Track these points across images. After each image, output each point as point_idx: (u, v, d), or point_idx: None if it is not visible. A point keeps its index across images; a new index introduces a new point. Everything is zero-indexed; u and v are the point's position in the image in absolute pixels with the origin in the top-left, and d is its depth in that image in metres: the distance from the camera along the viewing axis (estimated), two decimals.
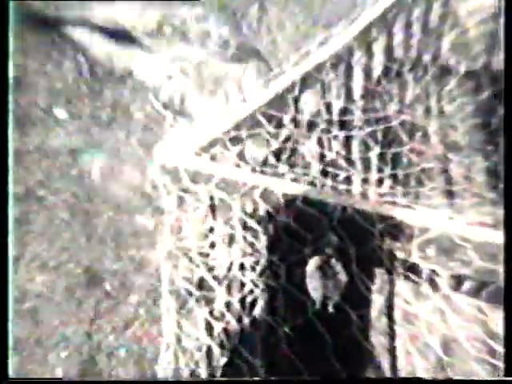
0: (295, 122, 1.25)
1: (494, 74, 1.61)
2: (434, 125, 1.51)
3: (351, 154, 1.33)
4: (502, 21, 1.36)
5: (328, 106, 1.28)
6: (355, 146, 1.35)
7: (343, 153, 1.27)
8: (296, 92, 1.23)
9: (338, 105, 1.29)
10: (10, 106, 1.46)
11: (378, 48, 1.34)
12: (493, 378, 1.19)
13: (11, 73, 1.46)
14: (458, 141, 1.57)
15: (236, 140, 1.19)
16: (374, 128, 1.29)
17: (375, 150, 1.30)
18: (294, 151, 1.33)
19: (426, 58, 1.46)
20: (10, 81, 1.46)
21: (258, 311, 1.15)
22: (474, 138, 1.58)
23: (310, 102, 1.25)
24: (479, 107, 1.63)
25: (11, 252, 1.84)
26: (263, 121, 1.20)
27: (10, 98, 1.47)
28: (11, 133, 1.96)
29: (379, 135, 1.34)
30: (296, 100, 1.21)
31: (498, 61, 1.65)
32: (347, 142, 1.34)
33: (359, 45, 1.27)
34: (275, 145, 1.29)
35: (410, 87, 1.43)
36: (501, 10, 1.46)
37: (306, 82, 1.23)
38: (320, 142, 1.23)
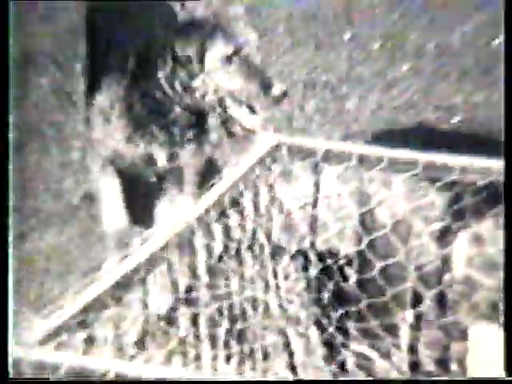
0: (144, 304, 1.28)
1: (320, 253, 1.75)
2: (274, 299, 1.60)
3: (199, 330, 1.37)
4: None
5: (175, 284, 1.33)
6: (203, 322, 1.39)
7: (192, 329, 1.31)
8: (142, 273, 1.27)
9: (183, 282, 1.34)
10: (10, 107, 1.43)
11: (218, 228, 1.44)
12: (493, 378, 1.18)
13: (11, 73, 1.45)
14: (296, 314, 1.66)
15: (83, 324, 1.18)
16: (220, 304, 1.35)
17: (223, 326, 1.34)
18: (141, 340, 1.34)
19: (261, 237, 1.58)
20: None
21: None
22: (310, 311, 1.68)
23: (156, 282, 1.29)
24: (309, 283, 1.75)
25: None
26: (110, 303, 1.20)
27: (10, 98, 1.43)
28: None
29: (225, 311, 1.39)
30: (143, 280, 1.24)
31: (322, 241, 1.79)
32: (195, 318, 1.38)
33: (200, 225, 1.36)
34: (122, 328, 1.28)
35: (248, 264, 1.53)
36: None
37: (152, 262, 1.28)
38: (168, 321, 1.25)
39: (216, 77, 1.97)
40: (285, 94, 1.97)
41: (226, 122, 2.08)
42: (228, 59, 1.95)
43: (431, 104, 3.24)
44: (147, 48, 2.09)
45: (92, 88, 2.24)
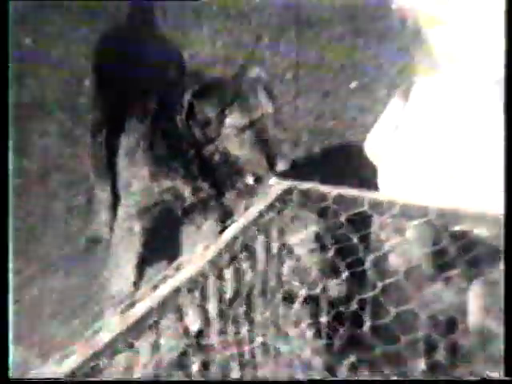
0: (155, 348, 1.26)
1: (332, 298, 1.74)
2: (285, 345, 1.58)
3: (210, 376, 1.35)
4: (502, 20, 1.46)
5: (185, 330, 1.31)
6: (213, 368, 1.37)
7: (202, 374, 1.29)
8: (154, 317, 1.25)
9: (195, 327, 1.33)
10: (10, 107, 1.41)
11: (229, 272, 1.43)
12: (493, 378, 1.14)
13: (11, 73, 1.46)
14: (308, 361, 1.64)
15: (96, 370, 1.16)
16: (232, 352, 1.34)
17: (234, 372, 1.33)
18: None
19: (272, 282, 1.57)
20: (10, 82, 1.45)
21: None
22: (322, 358, 1.66)
23: (169, 327, 1.27)
24: (319, 329, 1.73)
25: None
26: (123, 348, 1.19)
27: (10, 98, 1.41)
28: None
29: (236, 357, 1.38)
30: (156, 323, 1.23)
31: (333, 285, 1.78)
32: (206, 365, 1.36)
33: (212, 269, 1.35)
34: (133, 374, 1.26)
35: (259, 309, 1.51)
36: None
37: (163, 306, 1.27)
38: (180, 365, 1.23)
39: (227, 142, 2.04)
40: (288, 171, 2.04)
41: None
42: (242, 129, 2.02)
43: None
44: (168, 91, 2.15)
45: (112, 131, 2.29)
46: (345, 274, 1.61)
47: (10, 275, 1.43)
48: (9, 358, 1.15)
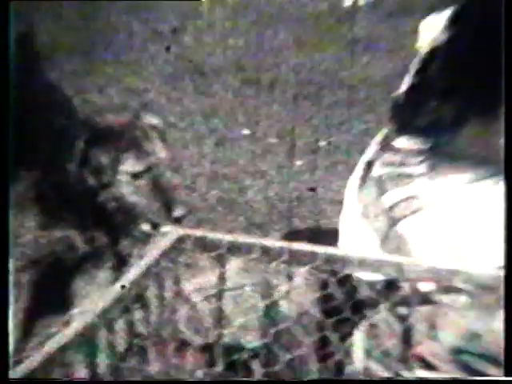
0: None
1: (226, 346, 1.74)
2: None
3: None
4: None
5: None
6: None
7: None
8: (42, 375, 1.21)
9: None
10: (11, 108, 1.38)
11: (122, 324, 1.41)
12: (493, 378, 1.13)
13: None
14: None
15: None
16: None
17: None
18: None
19: (165, 332, 1.56)
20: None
21: None
22: None
23: None
24: (216, 378, 1.73)
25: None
26: None
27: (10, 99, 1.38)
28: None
29: None
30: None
31: (227, 334, 1.79)
32: None
33: (103, 322, 1.33)
34: None
35: (152, 361, 1.49)
36: None
37: (51, 364, 1.23)
38: None
39: (122, 189, 2.03)
40: (184, 217, 2.06)
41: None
42: (137, 176, 2.02)
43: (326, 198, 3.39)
44: (58, 140, 2.12)
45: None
46: (238, 321, 1.63)
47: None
48: (9, 358, 1.15)
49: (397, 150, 1.71)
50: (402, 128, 1.72)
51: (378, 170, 1.73)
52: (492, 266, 1.42)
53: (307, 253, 1.57)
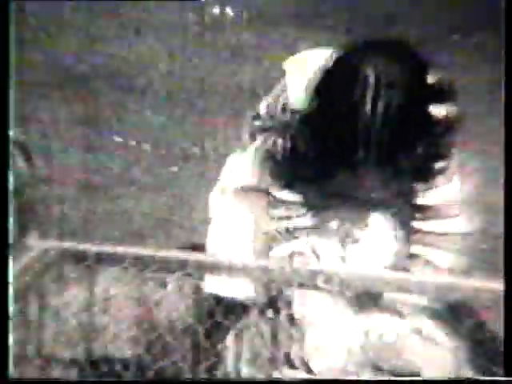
0: None
1: (95, 360, 1.70)
2: None
3: None
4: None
5: None
6: None
7: None
8: None
9: None
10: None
11: None
12: (493, 378, 1.13)
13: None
14: None
15: None
16: None
17: None
18: None
19: (31, 348, 1.50)
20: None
21: None
22: None
23: None
24: None
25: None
26: None
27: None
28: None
29: None
30: None
31: (98, 347, 1.75)
32: None
33: None
34: None
35: None
36: None
37: None
38: None
39: None
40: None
41: None
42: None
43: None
44: None
45: None
46: (109, 333, 1.60)
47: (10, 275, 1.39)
48: (9, 357, 1.16)
49: (281, 202, 1.72)
50: (284, 182, 1.74)
51: (266, 224, 1.73)
52: (350, 266, 1.50)
53: (178, 260, 1.57)
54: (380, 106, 1.54)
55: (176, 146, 3.75)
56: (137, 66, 4.34)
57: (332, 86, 1.63)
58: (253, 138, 1.77)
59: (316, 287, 1.25)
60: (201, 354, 1.50)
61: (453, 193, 1.71)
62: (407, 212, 1.70)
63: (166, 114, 3.92)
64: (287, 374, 1.48)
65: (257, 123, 1.78)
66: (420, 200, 1.69)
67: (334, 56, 1.65)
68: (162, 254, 1.61)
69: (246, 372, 1.52)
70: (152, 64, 4.36)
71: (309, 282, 1.25)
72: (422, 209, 1.70)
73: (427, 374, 1.51)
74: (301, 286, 1.28)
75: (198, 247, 1.88)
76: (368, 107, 1.54)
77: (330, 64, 1.63)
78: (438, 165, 1.68)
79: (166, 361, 1.47)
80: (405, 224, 1.67)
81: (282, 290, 1.40)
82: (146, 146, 3.76)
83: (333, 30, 4.67)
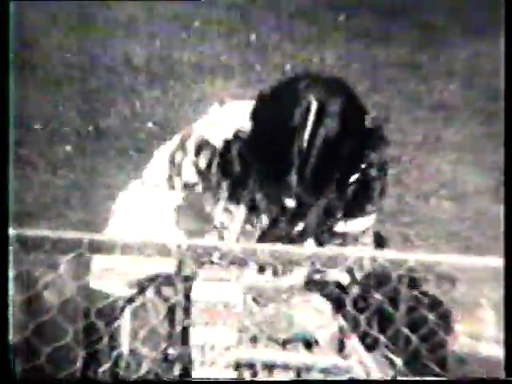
0: None
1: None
2: None
3: None
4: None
5: None
6: None
7: None
8: None
9: None
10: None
11: None
12: (493, 378, 1.12)
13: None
14: None
15: None
16: None
17: None
18: None
19: None
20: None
21: None
22: None
23: None
24: None
25: None
26: None
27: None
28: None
29: None
30: None
31: None
32: None
33: None
34: None
35: None
36: None
37: None
38: None
39: None
40: None
41: None
42: None
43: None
44: None
45: None
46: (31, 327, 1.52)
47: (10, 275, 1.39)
48: (9, 357, 1.17)
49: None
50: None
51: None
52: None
53: (72, 240, 1.52)
54: (319, 133, 1.55)
55: (70, 125, 3.65)
56: (25, 38, 4.15)
57: (272, 109, 1.63)
58: None
59: (212, 263, 1.25)
60: (94, 335, 1.47)
61: (368, 222, 1.80)
62: (326, 238, 1.77)
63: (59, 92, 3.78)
64: (182, 352, 1.48)
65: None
66: (339, 227, 1.76)
67: (278, 82, 1.67)
68: (55, 234, 1.56)
69: (141, 350, 1.51)
70: (43, 37, 4.18)
71: (204, 257, 1.25)
72: (339, 235, 1.77)
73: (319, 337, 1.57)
74: (196, 262, 1.28)
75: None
76: (307, 133, 1.54)
77: (274, 88, 1.64)
78: (365, 202, 1.74)
79: (57, 344, 1.42)
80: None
81: (180, 268, 1.39)
82: (37, 125, 3.63)
83: None
